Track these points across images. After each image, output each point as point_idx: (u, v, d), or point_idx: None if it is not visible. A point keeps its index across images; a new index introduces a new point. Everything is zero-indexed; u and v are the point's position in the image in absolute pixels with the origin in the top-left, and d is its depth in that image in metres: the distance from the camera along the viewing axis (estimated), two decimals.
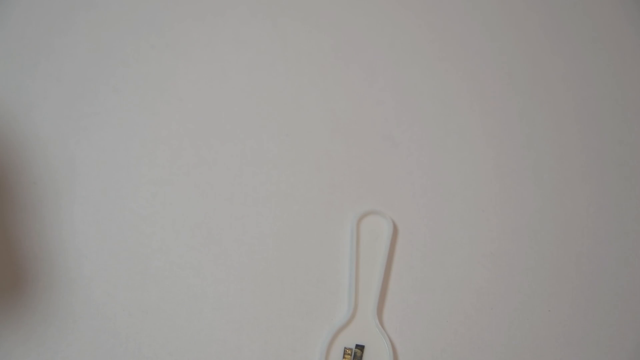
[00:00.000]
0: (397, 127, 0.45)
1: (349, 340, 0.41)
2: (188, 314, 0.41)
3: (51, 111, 0.44)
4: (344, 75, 0.47)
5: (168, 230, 0.42)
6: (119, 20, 0.47)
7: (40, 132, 0.44)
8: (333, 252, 0.42)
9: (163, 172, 0.44)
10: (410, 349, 0.41)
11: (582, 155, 0.45)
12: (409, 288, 0.42)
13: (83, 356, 0.40)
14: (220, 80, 0.46)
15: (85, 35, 0.47)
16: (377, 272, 0.42)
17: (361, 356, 0.40)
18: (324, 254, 0.42)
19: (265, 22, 0.48)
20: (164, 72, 0.46)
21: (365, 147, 0.45)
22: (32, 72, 0.45)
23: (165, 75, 0.46)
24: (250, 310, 0.41)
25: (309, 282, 0.42)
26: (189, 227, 0.42)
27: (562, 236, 0.43)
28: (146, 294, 0.41)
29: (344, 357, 0.40)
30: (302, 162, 0.44)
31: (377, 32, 0.48)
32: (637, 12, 0.49)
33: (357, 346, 0.41)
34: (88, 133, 0.44)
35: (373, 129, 0.45)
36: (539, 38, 0.48)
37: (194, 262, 0.42)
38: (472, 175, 0.45)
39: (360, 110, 0.46)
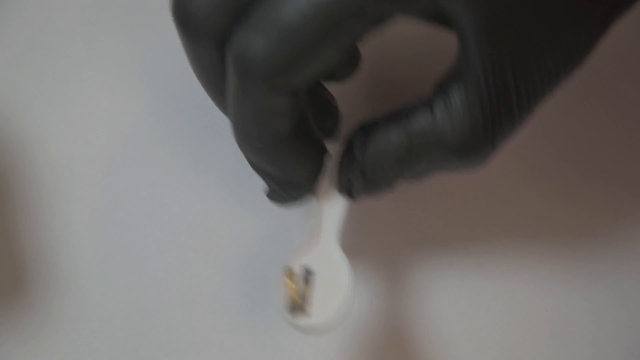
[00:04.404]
0: None
1: None
2: (185, 315, 0.41)
3: (47, 111, 0.44)
4: None
5: (165, 231, 0.42)
6: (117, 20, 0.47)
7: (37, 131, 0.44)
8: None
9: (160, 172, 0.43)
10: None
11: (581, 154, 0.45)
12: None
13: (80, 358, 0.40)
14: None
15: (82, 35, 0.46)
16: None
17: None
18: None
19: None
20: (162, 71, 0.46)
21: None
22: (28, 72, 0.45)
23: (163, 74, 0.46)
24: (247, 313, 0.41)
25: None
26: (186, 228, 0.42)
27: (561, 236, 0.43)
28: (143, 295, 0.41)
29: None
30: None
31: None
32: None
33: None
34: (84, 133, 0.44)
35: None
36: None
37: (191, 263, 0.42)
38: (472, 175, 0.44)
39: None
